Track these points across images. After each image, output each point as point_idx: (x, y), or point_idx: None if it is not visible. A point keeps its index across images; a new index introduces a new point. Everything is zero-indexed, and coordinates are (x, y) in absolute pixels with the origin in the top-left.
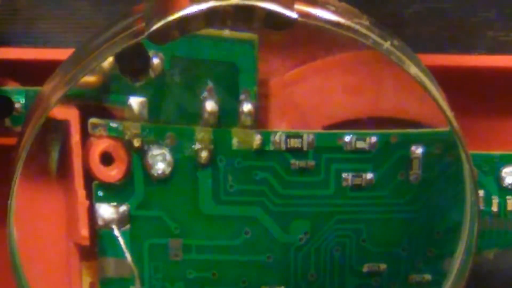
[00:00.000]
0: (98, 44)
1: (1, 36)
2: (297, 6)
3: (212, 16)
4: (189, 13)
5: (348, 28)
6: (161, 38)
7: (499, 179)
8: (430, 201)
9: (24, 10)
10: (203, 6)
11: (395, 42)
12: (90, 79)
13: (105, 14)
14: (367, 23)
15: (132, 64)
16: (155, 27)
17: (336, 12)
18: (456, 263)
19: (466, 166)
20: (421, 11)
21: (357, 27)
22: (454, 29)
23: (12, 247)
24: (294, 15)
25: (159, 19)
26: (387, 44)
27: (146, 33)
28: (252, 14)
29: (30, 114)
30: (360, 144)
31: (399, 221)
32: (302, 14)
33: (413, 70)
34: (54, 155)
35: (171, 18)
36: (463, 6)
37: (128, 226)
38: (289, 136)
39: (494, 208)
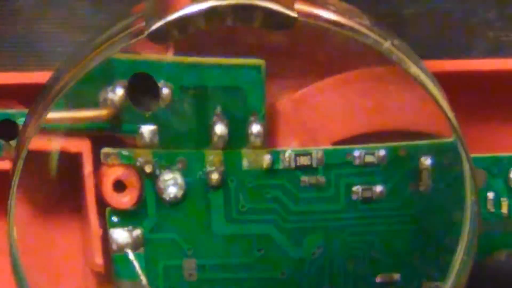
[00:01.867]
0: (98, 44)
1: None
2: (297, 5)
3: (212, 16)
4: (189, 13)
5: (348, 27)
6: (161, 37)
7: (508, 181)
8: (441, 210)
9: (24, 11)
10: (203, 5)
11: (395, 42)
12: (102, 112)
13: (105, 14)
14: (367, 22)
15: (142, 95)
16: (155, 26)
17: (336, 11)
18: (456, 264)
19: (466, 166)
20: (421, 11)
21: (357, 26)
22: (454, 30)
23: (12, 248)
24: (294, 14)
25: (159, 19)
26: (387, 44)
27: (146, 33)
28: (252, 14)
29: (32, 110)
30: (369, 158)
31: (411, 231)
32: (302, 13)
33: (413, 69)
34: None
35: (171, 17)
36: (463, 6)
37: (142, 249)
38: (298, 154)
39: (504, 210)
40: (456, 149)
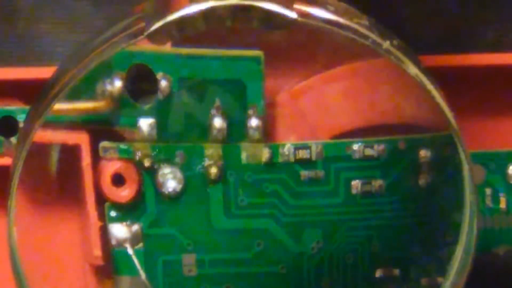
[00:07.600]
0: (98, 44)
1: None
2: (297, 6)
3: (211, 16)
4: (189, 13)
5: (347, 28)
6: (160, 38)
7: (506, 177)
8: (440, 204)
9: (24, 11)
10: (203, 6)
11: (395, 42)
12: (99, 104)
13: (105, 14)
14: (366, 23)
15: (141, 87)
16: (154, 27)
17: (335, 12)
18: (455, 262)
19: (465, 166)
20: (421, 11)
21: (357, 27)
22: (454, 29)
23: (12, 248)
24: (293, 15)
25: (159, 19)
26: (386, 44)
27: (145, 33)
28: (251, 14)
29: (32, 110)
30: (369, 152)
31: (410, 226)
32: (301, 14)
33: (413, 70)
34: (54, 156)
35: (170, 18)
36: (463, 6)
37: (141, 244)
38: (297, 147)
39: (502, 205)
40: (456, 142)
